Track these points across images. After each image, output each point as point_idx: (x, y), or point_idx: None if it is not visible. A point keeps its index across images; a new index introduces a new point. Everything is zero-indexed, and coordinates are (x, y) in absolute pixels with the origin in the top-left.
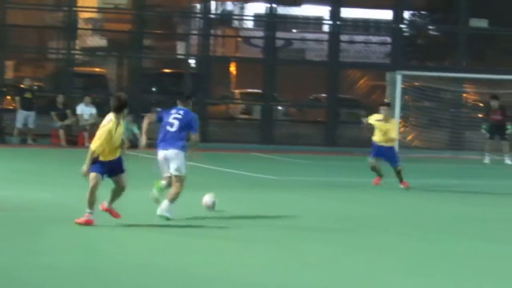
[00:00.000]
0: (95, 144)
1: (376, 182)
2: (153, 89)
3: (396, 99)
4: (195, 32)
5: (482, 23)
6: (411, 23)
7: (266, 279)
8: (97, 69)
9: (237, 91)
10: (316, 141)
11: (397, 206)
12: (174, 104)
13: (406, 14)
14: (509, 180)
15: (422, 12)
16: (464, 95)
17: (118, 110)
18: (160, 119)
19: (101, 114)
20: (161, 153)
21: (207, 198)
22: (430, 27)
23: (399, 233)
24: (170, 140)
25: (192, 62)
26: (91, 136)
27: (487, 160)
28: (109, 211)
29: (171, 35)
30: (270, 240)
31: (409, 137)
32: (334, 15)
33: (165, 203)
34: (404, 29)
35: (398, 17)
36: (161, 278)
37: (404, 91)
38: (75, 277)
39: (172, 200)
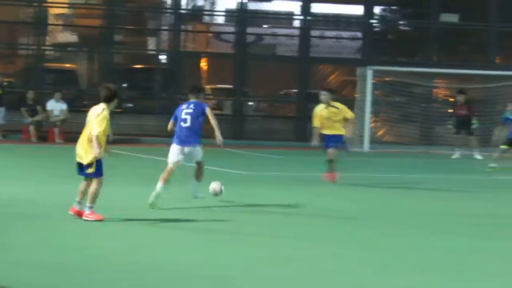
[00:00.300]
0: (98, 129)
1: (330, 177)
2: (124, 84)
3: (367, 94)
4: (165, 27)
5: (453, 18)
6: (382, 18)
7: (235, 273)
8: (67, 65)
9: (208, 86)
10: (287, 136)
11: (367, 200)
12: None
13: (377, 9)
14: (475, 175)
15: (393, 7)
16: (435, 90)
17: (108, 100)
18: (175, 118)
19: (72, 110)
20: (177, 147)
21: (215, 185)
22: (401, 22)
23: (369, 227)
24: (185, 137)
25: (163, 57)
26: (62, 132)
27: (456, 155)
28: (79, 212)
29: (141, 31)
30: (239, 234)
31: (380, 132)
32: (305, 10)
33: (195, 185)
34: (375, 24)
35: (369, 12)
36: (133, 272)
37: (375, 86)
38: (44, 273)
39: (199, 180)
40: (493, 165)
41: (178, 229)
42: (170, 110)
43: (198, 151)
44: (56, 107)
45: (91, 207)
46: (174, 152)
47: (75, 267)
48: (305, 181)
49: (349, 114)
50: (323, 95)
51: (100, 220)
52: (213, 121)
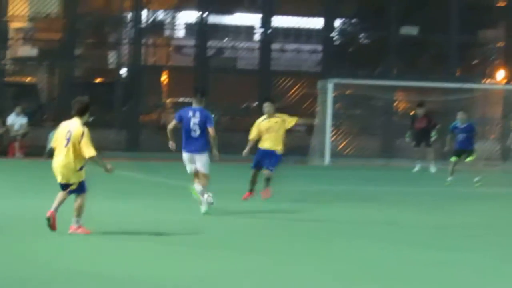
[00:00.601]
0: (92, 150)
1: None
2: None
3: (328, 107)
4: (126, 41)
5: (413, 30)
6: (342, 31)
7: (190, 285)
8: (28, 79)
9: (168, 100)
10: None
11: (328, 213)
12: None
13: (337, 22)
14: (434, 187)
15: (353, 20)
16: (396, 102)
17: (81, 113)
18: (180, 119)
19: (32, 124)
20: (187, 155)
21: (206, 196)
22: (361, 35)
23: (329, 241)
24: (195, 146)
25: (123, 71)
26: (22, 146)
27: (417, 167)
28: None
29: (102, 44)
30: (194, 246)
31: (341, 145)
32: (265, 23)
33: (204, 196)
34: (335, 38)
35: (329, 26)
36: (90, 284)
37: (335, 99)
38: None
39: (205, 187)
40: (450, 178)
41: (142, 241)
42: (130, 124)
43: (205, 158)
44: (16, 121)
45: (77, 221)
46: (187, 162)
47: (39, 280)
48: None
49: (290, 123)
50: (266, 106)
51: (87, 234)
52: (212, 137)
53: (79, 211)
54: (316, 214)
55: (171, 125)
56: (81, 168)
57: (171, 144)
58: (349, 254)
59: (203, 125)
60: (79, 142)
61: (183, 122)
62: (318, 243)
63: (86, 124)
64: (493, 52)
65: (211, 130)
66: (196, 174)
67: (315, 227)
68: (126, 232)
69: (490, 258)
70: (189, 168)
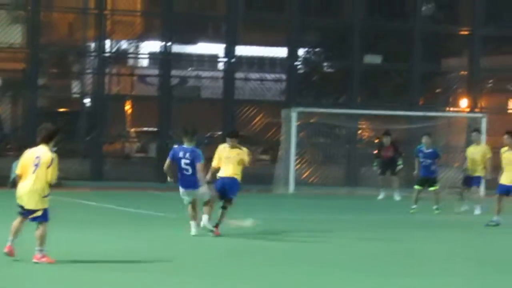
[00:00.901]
0: (54, 175)
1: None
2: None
3: (292, 135)
4: (89, 70)
5: (377, 59)
6: (305, 60)
7: None
8: None
9: (132, 129)
10: (213, 178)
11: (291, 242)
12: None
13: (301, 51)
14: (398, 215)
15: (317, 49)
16: (359, 131)
17: (48, 140)
18: (172, 157)
19: None
20: (183, 190)
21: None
22: (325, 63)
23: (288, 266)
24: (189, 183)
25: (87, 101)
26: None
27: (381, 195)
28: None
29: (66, 74)
30: (159, 273)
31: (305, 174)
32: (229, 53)
33: (204, 218)
34: (299, 66)
35: (292, 55)
36: None
37: (299, 128)
38: None
39: (209, 214)
40: (414, 206)
41: (107, 271)
42: (94, 153)
43: (203, 192)
44: None
45: (41, 250)
46: (184, 195)
47: None
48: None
49: (246, 160)
50: (231, 141)
51: (51, 263)
52: (200, 174)
53: (42, 240)
54: (278, 242)
55: (166, 164)
56: (46, 195)
57: (170, 179)
58: (304, 282)
59: (193, 164)
60: (47, 168)
61: (176, 161)
62: (275, 270)
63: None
64: (456, 81)
65: (198, 166)
66: (192, 205)
67: (273, 255)
68: (89, 261)
69: (450, 285)
70: (186, 200)
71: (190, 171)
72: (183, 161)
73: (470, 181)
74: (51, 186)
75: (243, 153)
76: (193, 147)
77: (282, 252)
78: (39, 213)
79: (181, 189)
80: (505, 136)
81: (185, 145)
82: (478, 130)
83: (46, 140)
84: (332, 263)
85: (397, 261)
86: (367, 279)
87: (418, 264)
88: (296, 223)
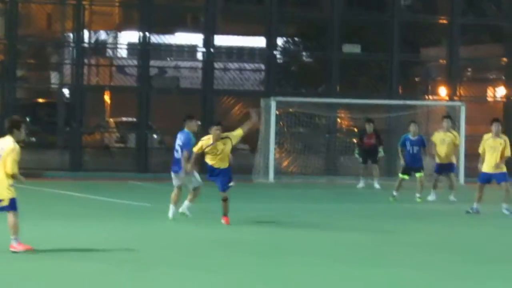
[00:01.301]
0: (15, 167)
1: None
2: (27, 119)
3: (271, 125)
4: (68, 61)
5: (355, 48)
6: (284, 50)
7: None
8: None
9: (111, 120)
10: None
11: (270, 232)
12: None
13: (280, 41)
14: (378, 204)
15: (295, 38)
16: (339, 120)
17: (11, 130)
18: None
19: None
20: (172, 174)
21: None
22: (304, 53)
23: (269, 258)
24: (177, 166)
25: (65, 91)
26: None
27: (361, 184)
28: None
29: (44, 65)
30: (148, 265)
31: (285, 163)
32: (208, 43)
33: (185, 204)
34: (278, 56)
35: (271, 44)
36: None
37: (278, 118)
38: None
39: (191, 201)
40: (395, 193)
41: (85, 261)
42: (73, 144)
43: (184, 177)
44: None
45: (16, 239)
46: (173, 178)
47: None
48: (212, 212)
49: (237, 137)
50: (214, 130)
51: (28, 250)
52: (184, 162)
53: (15, 229)
54: (259, 232)
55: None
56: (12, 185)
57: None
58: (285, 273)
59: (183, 146)
60: (6, 158)
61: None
62: (256, 260)
63: (28, 143)
64: (435, 70)
65: (184, 152)
66: (178, 190)
67: (255, 246)
68: (72, 250)
69: (429, 275)
70: (175, 182)
71: (179, 152)
72: (176, 142)
73: (443, 169)
74: (13, 177)
75: (227, 143)
76: (188, 133)
77: (268, 243)
78: (5, 203)
79: (172, 174)
80: (494, 124)
81: (185, 129)
82: (449, 117)
83: (9, 131)
84: (318, 254)
85: (383, 252)
86: (355, 269)
87: (405, 255)
88: (277, 212)
